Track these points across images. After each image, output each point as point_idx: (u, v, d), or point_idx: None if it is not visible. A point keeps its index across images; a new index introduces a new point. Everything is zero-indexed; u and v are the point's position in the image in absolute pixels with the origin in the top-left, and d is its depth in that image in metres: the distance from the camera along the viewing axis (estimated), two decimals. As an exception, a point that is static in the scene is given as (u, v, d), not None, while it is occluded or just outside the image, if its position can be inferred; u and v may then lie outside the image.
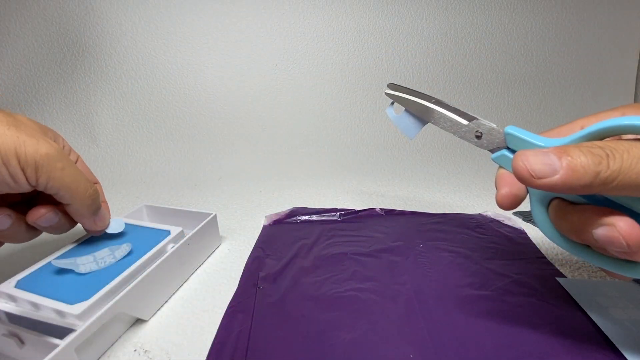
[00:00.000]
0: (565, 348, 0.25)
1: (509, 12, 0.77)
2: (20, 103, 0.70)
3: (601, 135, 0.17)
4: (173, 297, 0.32)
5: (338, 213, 0.46)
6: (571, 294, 0.30)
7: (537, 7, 0.77)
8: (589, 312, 0.28)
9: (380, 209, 0.48)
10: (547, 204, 0.21)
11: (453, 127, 0.25)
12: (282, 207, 0.49)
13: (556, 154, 0.16)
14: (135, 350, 0.26)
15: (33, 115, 0.71)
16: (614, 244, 0.18)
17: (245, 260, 0.37)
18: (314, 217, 0.46)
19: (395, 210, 0.48)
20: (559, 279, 0.32)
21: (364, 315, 0.28)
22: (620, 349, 0.24)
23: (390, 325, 0.27)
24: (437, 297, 0.30)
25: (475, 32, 0.78)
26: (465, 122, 0.25)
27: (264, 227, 0.44)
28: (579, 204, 0.20)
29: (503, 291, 0.30)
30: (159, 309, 0.30)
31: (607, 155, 0.15)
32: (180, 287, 0.33)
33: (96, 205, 0.29)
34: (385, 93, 0.28)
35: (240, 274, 0.34)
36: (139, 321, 0.29)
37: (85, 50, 0.71)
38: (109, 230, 0.32)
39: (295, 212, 0.47)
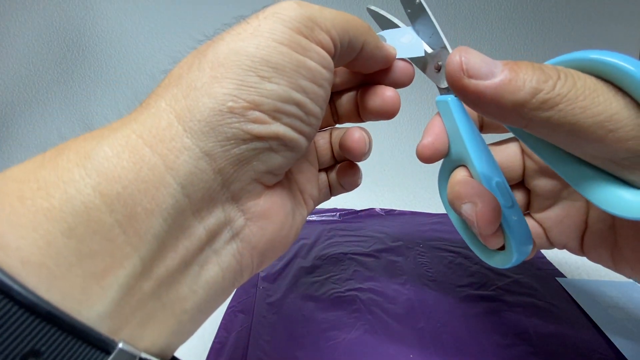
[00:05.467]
0: (565, 348, 0.25)
1: (509, 12, 0.77)
2: (20, 103, 0.70)
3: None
4: (173, 297, 0.32)
5: (338, 213, 0.46)
6: (571, 294, 0.30)
7: (537, 7, 0.77)
8: (589, 312, 0.28)
9: (380, 209, 0.48)
10: (453, 170, 0.21)
11: (417, 57, 0.21)
12: (282, 207, 0.49)
13: (503, 61, 0.13)
14: (135, 350, 0.26)
15: (33, 115, 0.71)
16: (470, 221, 0.18)
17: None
18: (314, 217, 0.46)
19: (395, 210, 0.48)
20: (559, 279, 0.32)
21: (364, 315, 0.28)
22: (620, 349, 0.24)
23: (390, 325, 0.27)
24: (437, 297, 0.30)
25: (474, 32, 0.78)
26: (430, 49, 0.21)
27: (264, 227, 0.44)
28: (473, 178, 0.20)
29: (503, 291, 0.30)
30: (159, 309, 0.30)
31: (559, 76, 0.12)
32: (180, 287, 0.33)
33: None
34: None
35: (240, 274, 0.34)
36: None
37: (85, 50, 0.71)
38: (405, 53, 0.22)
39: (295, 212, 0.47)
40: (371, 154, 0.24)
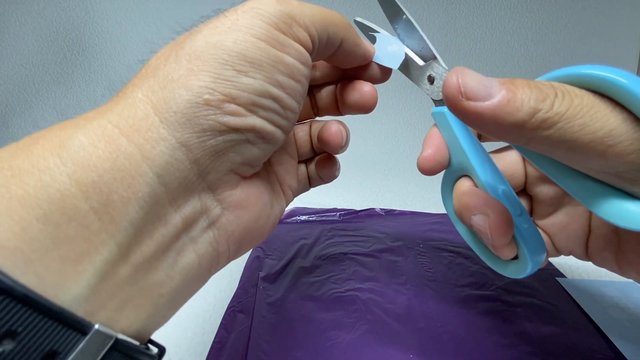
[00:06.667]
0: (565, 348, 0.25)
1: (509, 12, 0.77)
2: (20, 103, 0.70)
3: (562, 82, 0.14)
4: (173, 297, 0.32)
5: (338, 213, 0.46)
6: (571, 294, 0.30)
7: (537, 7, 0.77)
8: (589, 312, 0.28)
9: (380, 209, 0.48)
10: (456, 181, 0.21)
11: (407, 67, 0.22)
12: (282, 207, 0.49)
13: (499, 80, 0.13)
14: (135, 350, 0.26)
15: (33, 116, 0.71)
16: (482, 233, 0.18)
17: (245, 260, 0.37)
18: (314, 217, 0.46)
19: (395, 210, 0.48)
20: (559, 279, 0.32)
21: (364, 315, 0.28)
22: (620, 349, 0.24)
23: (390, 325, 0.27)
24: (437, 297, 0.30)
25: (474, 32, 0.78)
26: (421, 62, 0.21)
27: (264, 227, 0.44)
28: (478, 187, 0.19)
29: (503, 291, 0.30)
30: (159, 309, 0.30)
31: (556, 94, 0.12)
32: (180, 287, 0.33)
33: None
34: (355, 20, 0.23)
35: (240, 274, 0.34)
36: (139, 321, 0.29)
37: (85, 50, 0.71)
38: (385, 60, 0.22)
39: (295, 212, 0.47)
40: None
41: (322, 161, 0.24)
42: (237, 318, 0.28)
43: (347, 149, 0.25)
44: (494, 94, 0.12)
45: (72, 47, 0.71)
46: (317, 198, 0.53)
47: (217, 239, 0.16)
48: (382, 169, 0.66)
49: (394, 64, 0.22)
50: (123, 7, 0.71)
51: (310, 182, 0.25)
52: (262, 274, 0.33)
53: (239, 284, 0.33)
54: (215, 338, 0.26)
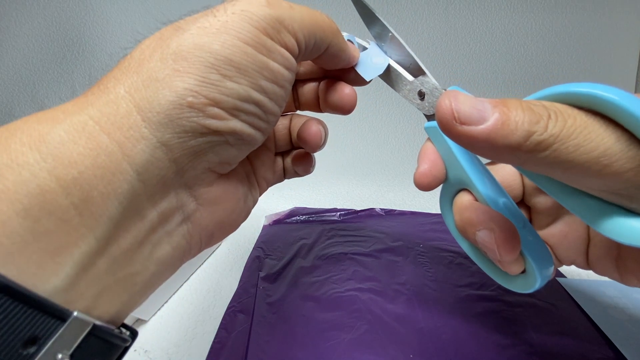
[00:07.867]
0: (565, 348, 0.25)
1: (509, 12, 0.77)
2: (21, 103, 0.70)
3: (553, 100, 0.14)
4: (173, 297, 0.32)
5: (338, 213, 0.46)
6: (571, 294, 0.30)
7: (537, 7, 0.77)
8: (589, 312, 0.28)
9: (380, 209, 0.48)
10: (454, 195, 0.20)
11: (397, 83, 0.22)
12: (282, 207, 0.49)
13: (491, 102, 0.12)
14: (135, 351, 0.26)
15: (33, 115, 0.71)
16: (488, 249, 0.17)
17: (245, 260, 0.37)
18: (314, 217, 0.46)
19: (395, 210, 0.48)
20: (559, 279, 0.32)
21: (364, 315, 0.28)
22: (620, 349, 0.24)
23: (390, 325, 0.27)
24: (437, 297, 0.30)
25: (474, 32, 0.78)
26: (410, 77, 0.21)
27: (264, 227, 0.44)
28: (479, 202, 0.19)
29: (503, 291, 0.30)
30: (159, 309, 0.30)
31: (549, 116, 0.12)
32: (180, 287, 0.33)
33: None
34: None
35: (240, 274, 0.34)
36: (138, 321, 0.29)
37: (85, 50, 0.71)
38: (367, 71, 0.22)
39: (295, 212, 0.47)
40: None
41: (299, 157, 0.25)
42: (237, 318, 0.28)
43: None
44: (487, 117, 0.12)
45: (72, 47, 0.71)
46: (317, 198, 0.53)
47: (191, 232, 0.16)
48: (383, 169, 0.66)
49: (368, 75, 0.22)
50: (124, 7, 0.71)
51: (285, 174, 0.25)
52: (262, 274, 0.33)
53: (239, 284, 0.33)
54: (215, 338, 0.26)
